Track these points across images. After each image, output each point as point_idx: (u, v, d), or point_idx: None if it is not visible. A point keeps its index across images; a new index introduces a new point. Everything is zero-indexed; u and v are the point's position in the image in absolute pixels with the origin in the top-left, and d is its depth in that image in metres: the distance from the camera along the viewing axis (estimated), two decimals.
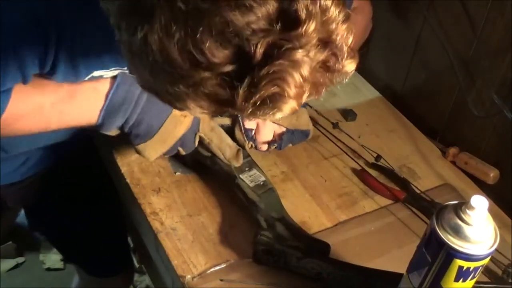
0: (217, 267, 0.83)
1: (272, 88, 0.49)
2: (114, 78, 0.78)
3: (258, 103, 0.50)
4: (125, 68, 0.76)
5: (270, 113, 0.52)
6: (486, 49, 1.00)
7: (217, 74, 0.49)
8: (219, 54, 0.47)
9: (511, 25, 0.94)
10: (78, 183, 1.12)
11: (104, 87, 0.77)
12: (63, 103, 0.75)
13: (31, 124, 0.76)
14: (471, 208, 0.59)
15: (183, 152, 0.88)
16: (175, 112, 0.82)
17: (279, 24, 0.47)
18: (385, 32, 1.27)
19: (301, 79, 0.49)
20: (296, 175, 1.02)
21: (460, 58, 1.07)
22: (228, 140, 0.90)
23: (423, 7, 1.12)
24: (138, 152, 0.86)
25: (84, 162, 1.11)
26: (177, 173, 0.99)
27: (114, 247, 1.37)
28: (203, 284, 0.81)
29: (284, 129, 0.98)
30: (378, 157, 1.05)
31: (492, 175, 1.03)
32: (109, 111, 0.78)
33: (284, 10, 0.47)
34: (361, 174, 1.03)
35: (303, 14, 0.47)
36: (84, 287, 1.48)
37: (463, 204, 0.60)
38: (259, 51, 0.47)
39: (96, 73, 0.74)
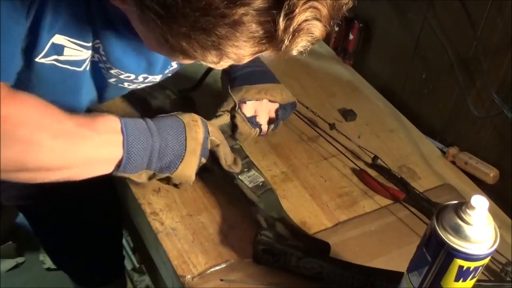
0: (217, 267, 0.83)
1: (308, 12, 0.51)
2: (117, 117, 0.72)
3: (296, 32, 0.52)
4: (89, 44, 0.72)
5: (305, 41, 0.55)
6: (486, 49, 1.00)
7: (254, 8, 0.50)
8: None
9: (511, 25, 0.94)
10: (74, 185, 1.11)
11: (116, 123, 0.71)
12: (86, 127, 0.67)
13: (49, 146, 0.62)
14: (471, 208, 0.59)
15: (204, 161, 0.81)
16: (186, 119, 0.77)
17: None
18: (385, 32, 1.28)
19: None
20: (296, 175, 1.02)
21: (460, 58, 1.07)
22: (228, 146, 0.89)
23: (423, 7, 1.12)
24: (176, 179, 0.77)
25: None
26: None
27: (106, 256, 1.35)
28: (203, 284, 0.81)
29: (277, 105, 1.00)
30: (375, 158, 1.05)
31: (492, 175, 1.03)
32: (130, 143, 0.70)
33: None
34: (360, 174, 1.03)
35: None
36: None
37: (463, 204, 0.60)
38: None
39: (57, 40, 0.68)
